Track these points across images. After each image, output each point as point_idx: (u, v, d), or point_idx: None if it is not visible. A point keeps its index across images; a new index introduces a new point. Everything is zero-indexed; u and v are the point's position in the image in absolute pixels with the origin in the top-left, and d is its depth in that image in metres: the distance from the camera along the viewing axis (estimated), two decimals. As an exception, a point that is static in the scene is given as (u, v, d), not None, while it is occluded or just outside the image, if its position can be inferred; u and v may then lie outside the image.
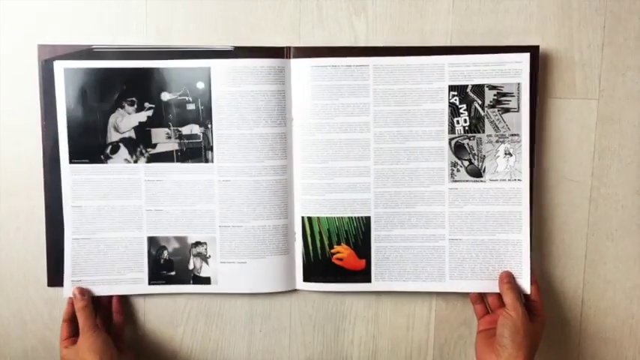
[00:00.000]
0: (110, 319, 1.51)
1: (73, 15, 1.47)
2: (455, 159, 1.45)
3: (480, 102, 1.43)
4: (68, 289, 1.48)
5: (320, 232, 1.48)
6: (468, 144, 1.45)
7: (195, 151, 1.45)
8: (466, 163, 1.45)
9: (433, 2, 1.46)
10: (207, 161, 1.45)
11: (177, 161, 1.46)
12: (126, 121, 1.45)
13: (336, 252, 1.48)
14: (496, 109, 1.44)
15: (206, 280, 1.49)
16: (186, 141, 1.45)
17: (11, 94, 1.48)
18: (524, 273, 1.45)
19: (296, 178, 1.48)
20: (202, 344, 1.55)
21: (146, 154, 1.46)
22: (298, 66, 1.44)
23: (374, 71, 1.44)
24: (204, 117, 1.44)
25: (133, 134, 1.45)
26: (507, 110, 1.43)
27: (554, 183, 1.48)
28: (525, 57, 1.42)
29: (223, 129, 1.45)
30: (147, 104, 1.44)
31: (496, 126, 1.44)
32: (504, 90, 1.43)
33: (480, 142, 1.44)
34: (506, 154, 1.44)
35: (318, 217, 1.47)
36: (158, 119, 1.45)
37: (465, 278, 1.48)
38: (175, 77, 1.44)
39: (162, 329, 1.55)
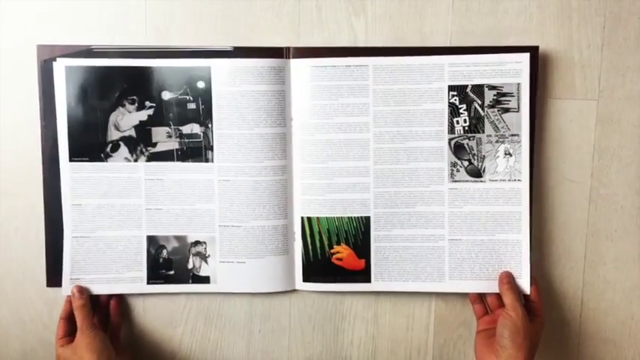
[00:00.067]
0: (107, 319, 1.51)
1: (72, 15, 1.47)
2: (455, 159, 1.45)
3: (479, 102, 1.44)
4: (67, 288, 1.48)
5: (319, 232, 1.48)
6: (467, 144, 1.45)
7: (196, 151, 1.45)
8: (466, 163, 1.45)
9: (433, 3, 1.46)
10: (207, 161, 1.45)
11: (178, 160, 1.46)
12: (126, 119, 1.45)
13: (336, 252, 1.48)
14: (496, 109, 1.44)
15: (205, 280, 1.49)
16: (186, 140, 1.45)
17: (10, 95, 1.48)
18: (523, 273, 1.45)
19: (295, 178, 1.48)
20: (201, 344, 1.55)
21: (146, 153, 1.45)
22: (298, 66, 1.44)
23: (373, 71, 1.44)
24: (204, 116, 1.44)
25: (133, 133, 1.45)
26: (507, 110, 1.43)
27: (554, 183, 1.48)
28: (525, 57, 1.42)
29: (223, 128, 1.45)
30: (147, 103, 1.44)
31: (496, 126, 1.44)
32: (504, 90, 1.43)
33: (479, 142, 1.44)
34: (506, 154, 1.44)
35: (317, 217, 1.47)
36: (159, 118, 1.45)
37: (464, 278, 1.48)
38: (176, 76, 1.44)
39: (161, 329, 1.55)
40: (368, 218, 1.47)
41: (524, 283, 1.45)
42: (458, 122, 1.44)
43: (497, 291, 1.45)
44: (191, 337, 1.55)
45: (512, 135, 1.44)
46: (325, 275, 1.49)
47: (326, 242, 1.48)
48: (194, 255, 1.48)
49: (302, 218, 1.48)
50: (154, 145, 1.46)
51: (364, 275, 1.49)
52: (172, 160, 1.46)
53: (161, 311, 1.54)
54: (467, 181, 1.46)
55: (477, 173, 1.45)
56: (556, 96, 1.47)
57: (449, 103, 1.44)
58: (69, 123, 1.44)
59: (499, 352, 1.34)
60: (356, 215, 1.47)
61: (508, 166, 1.44)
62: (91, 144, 1.45)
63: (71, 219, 1.47)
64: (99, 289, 1.49)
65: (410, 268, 1.48)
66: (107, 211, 1.47)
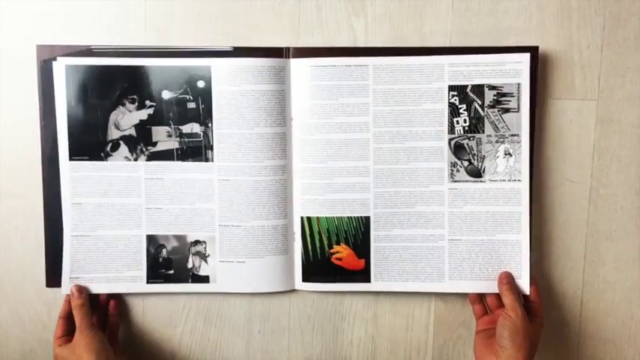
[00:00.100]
0: (106, 319, 1.51)
1: (72, 15, 1.47)
2: (454, 159, 1.45)
3: (479, 102, 1.44)
4: (66, 287, 1.48)
5: (319, 232, 1.47)
6: (467, 144, 1.45)
7: (196, 150, 1.45)
8: (466, 163, 1.45)
9: (432, 3, 1.46)
10: (207, 160, 1.45)
11: (178, 160, 1.46)
12: (126, 118, 1.45)
13: (336, 252, 1.48)
14: (496, 110, 1.44)
15: (205, 279, 1.49)
16: (186, 139, 1.45)
17: (10, 95, 1.48)
18: (523, 274, 1.45)
19: (295, 177, 1.48)
20: (201, 344, 1.55)
21: (146, 152, 1.45)
22: (298, 66, 1.44)
23: (373, 71, 1.44)
24: (204, 116, 1.44)
25: (133, 132, 1.45)
26: (507, 110, 1.43)
27: (554, 183, 1.48)
28: (525, 57, 1.42)
29: (223, 128, 1.45)
30: (148, 102, 1.44)
31: (496, 126, 1.44)
32: (504, 90, 1.43)
33: (479, 143, 1.44)
34: (505, 154, 1.44)
35: (317, 217, 1.47)
36: (159, 117, 1.45)
37: (464, 279, 1.48)
38: (176, 75, 1.44)
39: (161, 329, 1.55)
40: (368, 218, 1.47)
41: (524, 284, 1.45)
42: (458, 122, 1.44)
43: (496, 291, 1.45)
44: (191, 337, 1.55)
45: (512, 135, 1.44)
46: (325, 275, 1.49)
47: (326, 242, 1.48)
48: (194, 254, 1.48)
49: (302, 218, 1.48)
50: (154, 144, 1.46)
51: (364, 275, 1.49)
52: (172, 159, 1.46)
53: (161, 311, 1.54)
54: (467, 181, 1.46)
55: (476, 173, 1.45)
56: (556, 96, 1.47)
57: (449, 103, 1.44)
58: (69, 122, 1.44)
59: (499, 353, 1.34)
60: (356, 215, 1.47)
61: (508, 166, 1.44)
62: (91, 143, 1.45)
63: (71, 218, 1.47)
64: (98, 288, 1.49)
65: (409, 268, 1.48)
66: (107, 210, 1.47)
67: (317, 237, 1.48)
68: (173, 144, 1.45)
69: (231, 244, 1.48)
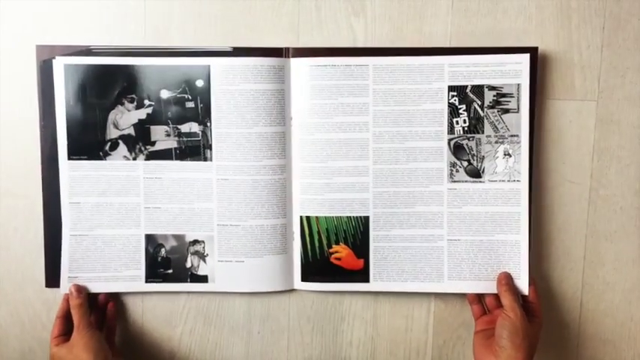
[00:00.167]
0: (104, 319, 1.51)
1: (72, 16, 1.47)
2: (454, 159, 1.45)
3: (479, 102, 1.43)
4: (65, 286, 1.48)
5: (318, 232, 1.47)
6: (467, 144, 1.45)
7: (194, 149, 1.45)
8: (465, 163, 1.45)
9: (432, 3, 1.46)
10: (205, 159, 1.45)
11: (176, 159, 1.46)
12: (125, 118, 1.45)
13: (335, 252, 1.48)
14: (495, 110, 1.43)
15: (203, 279, 1.49)
16: (185, 139, 1.45)
17: (9, 95, 1.49)
18: (522, 274, 1.45)
19: (295, 177, 1.48)
20: (200, 345, 1.55)
21: (145, 152, 1.45)
22: (298, 65, 1.44)
23: (373, 71, 1.43)
24: (203, 115, 1.44)
25: (132, 131, 1.45)
26: (507, 111, 1.43)
27: (553, 184, 1.48)
28: (525, 58, 1.42)
29: (222, 127, 1.45)
30: (146, 101, 1.44)
31: (495, 127, 1.44)
32: (504, 91, 1.43)
33: (479, 143, 1.44)
34: (505, 154, 1.44)
35: (316, 217, 1.47)
36: (157, 117, 1.45)
37: (463, 279, 1.48)
38: (175, 75, 1.44)
39: (160, 329, 1.55)
40: (367, 218, 1.47)
41: (523, 284, 1.45)
42: (457, 122, 1.44)
43: (495, 292, 1.45)
44: (190, 337, 1.55)
45: (512, 136, 1.44)
46: (324, 275, 1.49)
47: (325, 242, 1.48)
48: (192, 254, 1.48)
49: (301, 217, 1.48)
50: (153, 143, 1.46)
51: (363, 275, 1.49)
52: (171, 158, 1.46)
53: (160, 311, 1.54)
54: (466, 181, 1.46)
55: (476, 174, 1.45)
56: (555, 97, 1.46)
57: (448, 103, 1.44)
58: (68, 121, 1.44)
59: (498, 353, 1.34)
60: (355, 215, 1.47)
61: (507, 166, 1.44)
62: (89, 142, 1.45)
63: (69, 217, 1.47)
64: (97, 287, 1.49)
65: (409, 268, 1.48)
66: (106, 209, 1.47)
67: (316, 237, 1.48)
68: (172, 143, 1.45)
69: (230, 244, 1.48)
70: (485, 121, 1.44)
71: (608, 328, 1.52)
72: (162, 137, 1.45)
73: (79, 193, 1.46)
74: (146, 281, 1.49)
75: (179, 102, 1.44)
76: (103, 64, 1.44)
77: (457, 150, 1.45)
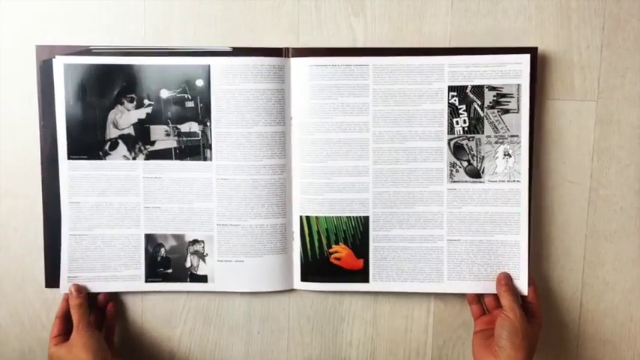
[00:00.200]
0: (103, 320, 1.51)
1: (71, 16, 1.47)
2: (454, 159, 1.45)
3: (479, 103, 1.43)
4: (65, 286, 1.48)
5: (318, 232, 1.47)
6: (467, 144, 1.45)
7: (194, 149, 1.45)
8: (465, 163, 1.45)
9: (432, 3, 1.46)
10: (205, 159, 1.45)
11: (176, 159, 1.46)
12: (125, 117, 1.45)
13: (334, 251, 1.48)
14: (495, 110, 1.43)
15: (203, 279, 1.49)
16: (184, 139, 1.45)
17: (9, 95, 1.49)
18: (522, 274, 1.45)
19: (294, 177, 1.47)
20: (200, 345, 1.55)
21: (145, 151, 1.45)
22: (298, 65, 1.44)
23: (374, 71, 1.43)
24: (203, 115, 1.44)
25: (131, 131, 1.45)
26: (507, 111, 1.43)
27: (553, 184, 1.48)
28: (526, 58, 1.42)
29: (222, 127, 1.44)
30: (146, 101, 1.44)
31: (495, 127, 1.43)
32: (504, 91, 1.43)
33: (479, 143, 1.44)
34: (505, 155, 1.44)
35: (316, 217, 1.47)
36: (157, 116, 1.45)
37: (462, 279, 1.48)
38: (175, 74, 1.44)
39: (160, 329, 1.55)
40: (367, 218, 1.47)
41: (522, 284, 1.45)
42: (457, 123, 1.44)
43: (495, 292, 1.45)
44: (190, 337, 1.55)
45: (512, 136, 1.43)
46: (323, 275, 1.49)
47: (324, 242, 1.48)
48: (192, 254, 1.48)
49: (301, 217, 1.48)
50: (153, 143, 1.46)
51: (362, 275, 1.49)
52: (171, 158, 1.46)
53: (160, 311, 1.54)
54: (466, 181, 1.46)
55: (476, 174, 1.45)
56: (555, 97, 1.46)
57: (448, 103, 1.44)
58: (68, 121, 1.45)
59: (497, 353, 1.34)
60: (355, 215, 1.47)
61: (507, 167, 1.44)
62: (89, 142, 1.45)
63: (69, 217, 1.47)
64: (97, 287, 1.49)
65: (408, 269, 1.48)
66: (105, 209, 1.47)
67: (316, 236, 1.48)
68: (171, 143, 1.45)
69: (230, 244, 1.48)
70: (485, 121, 1.44)
71: (607, 329, 1.52)
72: (161, 137, 1.45)
73: (78, 192, 1.46)
74: (146, 281, 1.49)
75: (179, 102, 1.44)
76: (103, 63, 1.44)
77: (457, 150, 1.45)
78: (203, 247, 1.48)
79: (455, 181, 1.46)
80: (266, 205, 1.46)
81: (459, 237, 1.47)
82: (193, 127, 1.45)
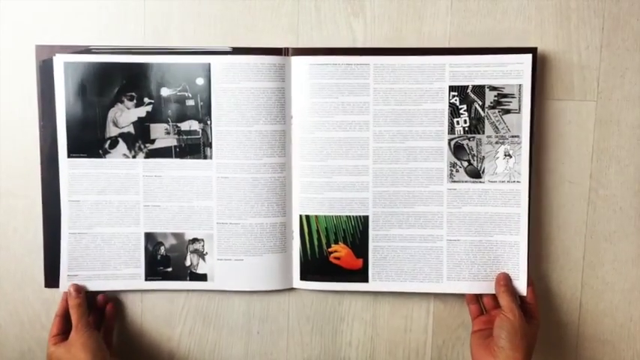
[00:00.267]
0: (101, 320, 1.51)
1: (71, 15, 1.47)
2: (454, 159, 1.45)
3: (480, 103, 1.43)
4: (64, 284, 1.48)
5: (318, 231, 1.47)
6: (467, 144, 1.45)
7: (194, 148, 1.45)
8: (465, 163, 1.45)
9: (432, 3, 1.46)
10: (205, 158, 1.45)
11: (176, 157, 1.46)
12: (125, 116, 1.45)
13: (334, 251, 1.48)
14: (496, 110, 1.43)
15: (202, 277, 1.49)
16: (184, 137, 1.45)
17: (9, 95, 1.49)
18: (521, 275, 1.45)
19: (294, 176, 1.47)
20: (200, 345, 1.55)
21: (145, 150, 1.46)
22: (298, 63, 1.44)
23: (374, 70, 1.44)
24: (203, 113, 1.44)
25: (131, 129, 1.45)
26: (508, 111, 1.43)
27: (553, 185, 1.48)
28: (527, 58, 1.42)
29: (222, 125, 1.45)
30: (146, 99, 1.44)
31: (496, 127, 1.43)
32: (505, 91, 1.43)
33: (479, 143, 1.44)
34: (505, 155, 1.44)
35: (316, 216, 1.47)
36: (157, 115, 1.45)
37: (462, 279, 1.48)
38: (175, 73, 1.44)
39: (159, 330, 1.55)
40: (366, 217, 1.47)
41: (521, 285, 1.45)
42: (458, 123, 1.44)
43: (494, 292, 1.45)
44: (189, 337, 1.55)
45: (513, 136, 1.44)
46: (323, 274, 1.48)
47: (324, 241, 1.47)
48: (192, 252, 1.48)
49: (300, 216, 1.48)
50: (153, 141, 1.46)
51: (362, 275, 1.48)
52: (170, 156, 1.46)
53: (159, 312, 1.54)
54: (466, 181, 1.46)
55: (476, 174, 1.45)
56: (555, 97, 1.47)
57: (449, 103, 1.44)
58: (68, 119, 1.45)
59: (496, 353, 1.34)
60: (354, 214, 1.47)
61: (507, 167, 1.44)
62: (89, 140, 1.45)
63: (69, 215, 1.47)
64: (96, 285, 1.49)
65: (408, 269, 1.48)
66: (105, 207, 1.47)
67: (315, 235, 1.47)
68: (171, 141, 1.45)
69: (230, 242, 1.48)
70: (486, 121, 1.44)
71: (607, 329, 1.52)
72: (162, 135, 1.45)
73: (78, 191, 1.46)
74: (145, 279, 1.49)
75: (179, 100, 1.44)
76: (103, 61, 1.44)
77: (457, 150, 1.45)
78: (203, 246, 1.48)
79: (455, 181, 1.46)
80: (266, 203, 1.46)
81: (458, 237, 1.47)
82: (193, 125, 1.45)
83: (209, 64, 1.43)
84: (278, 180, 1.46)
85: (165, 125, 1.45)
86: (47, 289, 1.50)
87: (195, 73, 1.44)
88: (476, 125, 1.44)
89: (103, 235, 1.47)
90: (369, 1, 1.46)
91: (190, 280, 1.49)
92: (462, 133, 1.44)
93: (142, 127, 1.45)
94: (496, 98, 1.43)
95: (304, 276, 1.49)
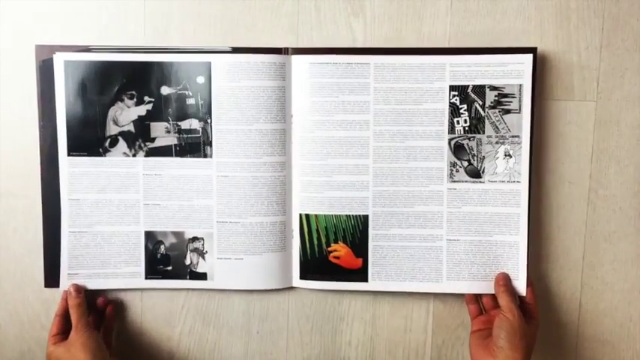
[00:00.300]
0: (101, 320, 1.51)
1: (71, 15, 1.48)
2: (454, 159, 1.45)
3: (480, 102, 1.43)
4: (64, 283, 1.48)
5: (317, 230, 1.47)
6: (467, 144, 1.45)
7: (194, 146, 1.45)
8: (465, 163, 1.45)
9: (431, 3, 1.46)
10: (205, 156, 1.45)
11: (176, 156, 1.46)
12: (125, 114, 1.45)
13: (333, 250, 1.48)
14: (497, 110, 1.43)
15: (202, 276, 1.49)
16: (185, 136, 1.45)
17: (9, 95, 1.49)
18: (520, 275, 1.45)
19: (294, 175, 1.47)
20: (199, 345, 1.55)
21: (145, 148, 1.46)
22: (299, 62, 1.44)
23: (375, 69, 1.44)
24: (203, 112, 1.44)
25: (132, 128, 1.45)
26: (508, 111, 1.43)
27: (553, 185, 1.48)
28: (528, 58, 1.42)
29: (222, 124, 1.45)
30: (146, 98, 1.44)
31: (496, 127, 1.44)
32: (505, 91, 1.43)
33: (479, 143, 1.44)
34: (505, 155, 1.44)
35: (315, 215, 1.47)
36: (157, 113, 1.45)
37: (461, 279, 1.47)
38: (175, 71, 1.44)
39: (159, 329, 1.55)
40: (366, 217, 1.47)
41: (521, 285, 1.45)
42: (458, 122, 1.44)
43: (493, 292, 1.45)
44: (189, 337, 1.55)
45: (513, 136, 1.44)
46: (322, 273, 1.48)
47: (324, 240, 1.47)
48: (191, 251, 1.48)
49: (300, 215, 1.48)
50: (153, 140, 1.46)
51: (361, 274, 1.48)
52: (171, 155, 1.46)
53: (159, 311, 1.54)
54: (466, 181, 1.46)
55: (476, 174, 1.45)
56: (554, 97, 1.47)
57: (450, 102, 1.44)
58: (68, 117, 1.45)
59: (496, 353, 1.34)
60: (354, 213, 1.47)
61: (507, 167, 1.44)
62: (89, 138, 1.45)
63: (68, 213, 1.47)
64: (97, 284, 1.49)
65: (407, 268, 1.48)
66: (105, 205, 1.47)
67: (315, 235, 1.47)
68: (172, 140, 1.45)
69: (229, 241, 1.48)
70: (487, 121, 1.44)
71: (606, 329, 1.52)
72: (162, 134, 1.45)
73: (78, 189, 1.46)
74: (145, 278, 1.49)
75: (179, 99, 1.44)
76: (103, 60, 1.44)
77: (457, 150, 1.45)
78: (203, 245, 1.48)
79: (455, 181, 1.46)
80: (266, 202, 1.46)
81: (458, 237, 1.47)
82: (194, 124, 1.45)
83: (209, 62, 1.43)
84: (278, 179, 1.46)
85: (165, 124, 1.45)
86: (47, 289, 1.50)
87: (196, 72, 1.44)
88: (476, 125, 1.44)
89: (103, 233, 1.47)
90: (369, 1, 1.46)
91: (190, 278, 1.49)
92: (462, 132, 1.45)
93: (142, 126, 1.45)
94: (496, 98, 1.43)
95: (304, 275, 1.49)
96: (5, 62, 1.48)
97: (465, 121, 1.44)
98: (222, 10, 1.47)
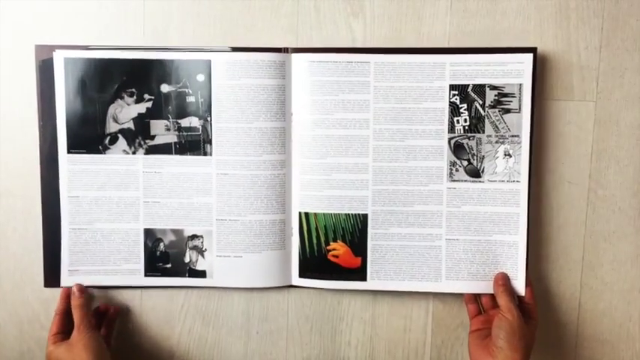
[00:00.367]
0: (102, 320, 1.51)
1: (71, 15, 1.48)
2: (454, 158, 1.45)
3: (480, 102, 1.44)
4: (65, 280, 1.48)
5: (316, 229, 1.47)
6: (467, 144, 1.45)
7: (194, 144, 1.45)
8: (465, 162, 1.45)
9: (431, 3, 1.46)
10: (205, 154, 1.45)
11: (176, 153, 1.46)
12: (125, 112, 1.45)
13: (332, 249, 1.48)
14: (497, 110, 1.44)
15: (202, 274, 1.49)
16: (185, 133, 1.45)
17: (9, 95, 1.49)
18: (519, 275, 1.45)
19: (294, 173, 1.47)
20: (199, 345, 1.55)
21: (144, 146, 1.46)
22: (299, 61, 1.44)
23: (375, 68, 1.44)
24: (203, 110, 1.45)
25: (131, 125, 1.45)
26: (508, 111, 1.43)
27: (552, 185, 1.48)
28: (528, 58, 1.42)
29: (222, 122, 1.45)
30: (146, 95, 1.44)
31: (496, 126, 1.44)
32: (505, 90, 1.43)
33: (479, 143, 1.44)
34: (505, 155, 1.44)
35: (315, 213, 1.47)
36: (157, 111, 1.45)
37: (460, 279, 1.47)
38: (176, 69, 1.44)
39: (158, 329, 1.55)
40: (365, 216, 1.47)
41: (520, 285, 1.45)
42: (458, 122, 1.44)
43: (492, 292, 1.45)
44: (188, 337, 1.55)
45: (513, 136, 1.44)
46: (321, 272, 1.48)
47: (323, 239, 1.47)
48: (191, 249, 1.48)
49: (300, 213, 1.48)
50: (153, 137, 1.46)
51: (360, 273, 1.48)
52: (170, 153, 1.46)
53: (159, 310, 1.54)
54: (465, 180, 1.46)
55: (475, 173, 1.45)
56: (554, 97, 1.47)
57: (450, 102, 1.44)
58: (67, 115, 1.45)
59: (495, 353, 1.34)
60: (353, 212, 1.47)
61: (507, 167, 1.44)
62: (89, 136, 1.45)
63: (68, 211, 1.47)
64: (96, 280, 1.49)
65: (406, 268, 1.48)
66: (105, 203, 1.47)
67: (314, 233, 1.47)
68: (171, 138, 1.45)
69: (229, 239, 1.48)
70: (486, 120, 1.44)
71: (606, 329, 1.52)
72: (162, 131, 1.45)
73: (78, 187, 1.46)
74: (145, 275, 1.49)
75: (179, 96, 1.44)
76: (103, 57, 1.44)
77: (457, 149, 1.45)
78: (202, 242, 1.48)
79: (454, 180, 1.46)
80: (265, 200, 1.46)
81: (457, 236, 1.47)
82: (194, 121, 1.45)
83: (210, 60, 1.43)
84: (277, 177, 1.46)
85: (165, 121, 1.45)
86: (46, 288, 1.50)
87: (196, 70, 1.44)
88: (476, 124, 1.44)
89: (102, 230, 1.48)
90: (369, 1, 1.47)
91: (189, 276, 1.49)
92: (462, 132, 1.45)
93: (142, 124, 1.45)
94: (496, 97, 1.43)
95: (303, 273, 1.49)
96: (5, 62, 1.48)
97: (465, 121, 1.44)
98: (221, 10, 1.47)
